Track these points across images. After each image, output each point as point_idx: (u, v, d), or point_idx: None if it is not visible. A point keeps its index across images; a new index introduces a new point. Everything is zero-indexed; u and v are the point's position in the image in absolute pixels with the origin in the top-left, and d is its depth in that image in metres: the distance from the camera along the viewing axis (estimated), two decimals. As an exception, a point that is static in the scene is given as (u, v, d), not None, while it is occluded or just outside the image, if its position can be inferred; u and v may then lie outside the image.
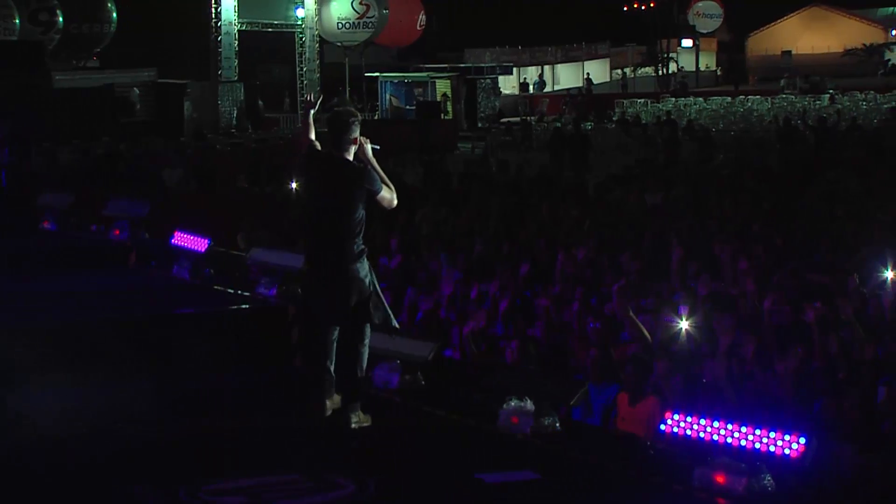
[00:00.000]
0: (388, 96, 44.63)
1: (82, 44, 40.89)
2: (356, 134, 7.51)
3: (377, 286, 7.66)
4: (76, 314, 9.53)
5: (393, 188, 7.63)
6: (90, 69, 41.50)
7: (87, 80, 37.72)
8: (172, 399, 8.11)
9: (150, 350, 8.63)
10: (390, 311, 7.81)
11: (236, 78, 40.38)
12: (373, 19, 43.30)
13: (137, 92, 37.71)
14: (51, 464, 6.94)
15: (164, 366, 8.60)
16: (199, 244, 10.80)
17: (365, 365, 7.64)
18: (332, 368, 7.53)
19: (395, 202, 7.67)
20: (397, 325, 8.09)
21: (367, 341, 7.61)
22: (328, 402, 7.54)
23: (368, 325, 7.57)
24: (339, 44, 44.10)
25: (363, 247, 7.52)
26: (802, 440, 6.13)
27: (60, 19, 39.24)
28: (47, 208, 13.63)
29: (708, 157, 26.49)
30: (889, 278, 10.81)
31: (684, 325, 9.56)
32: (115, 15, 40.95)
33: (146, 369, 8.46)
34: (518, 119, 43.35)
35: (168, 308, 9.90)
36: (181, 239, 10.93)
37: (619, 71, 63.84)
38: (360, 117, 7.64)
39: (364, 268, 7.52)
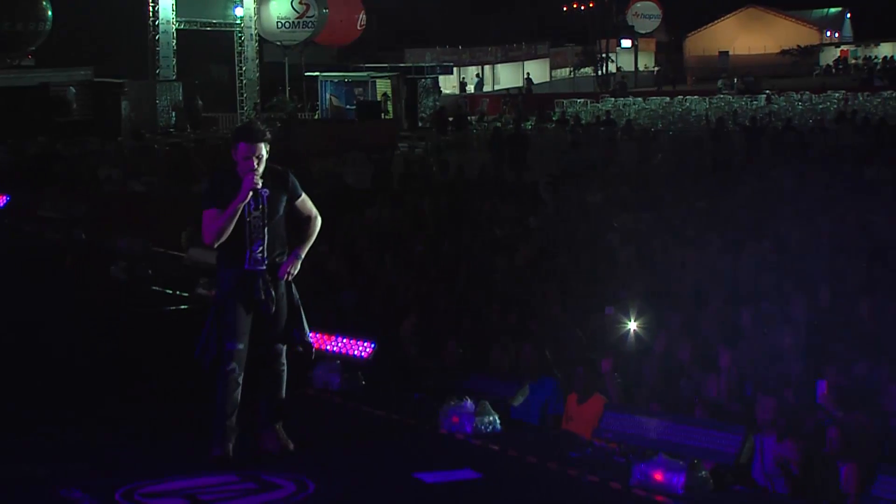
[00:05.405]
0: (328, 96, 44.41)
1: (17, 42, 40.23)
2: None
3: None
4: (9, 316, 9.40)
5: None
6: (25, 68, 40.90)
7: (21, 79, 37.21)
8: (108, 400, 8.01)
9: (84, 350, 8.52)
10: None
11: (174, 77, 40.03)
12: (313, 18, 43.10)
13: (74, 91, 37.24)
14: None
15: (99, 366, 8.50)
16: None
17: None
18: None
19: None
20: None
21: None
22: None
23: None
24: (278, 43, 43.83)
25: None
26: (737, 436, 6.20)
27: (-6, 18, 38.66)
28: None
29: (646, 157, 26.66)
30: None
31: (632, 325, 9.62)
32: (50, 13, 40.36)
33: (81, 370, 8.36)
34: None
35: (104, 308, 9.79)
36: None
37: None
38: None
39: None
